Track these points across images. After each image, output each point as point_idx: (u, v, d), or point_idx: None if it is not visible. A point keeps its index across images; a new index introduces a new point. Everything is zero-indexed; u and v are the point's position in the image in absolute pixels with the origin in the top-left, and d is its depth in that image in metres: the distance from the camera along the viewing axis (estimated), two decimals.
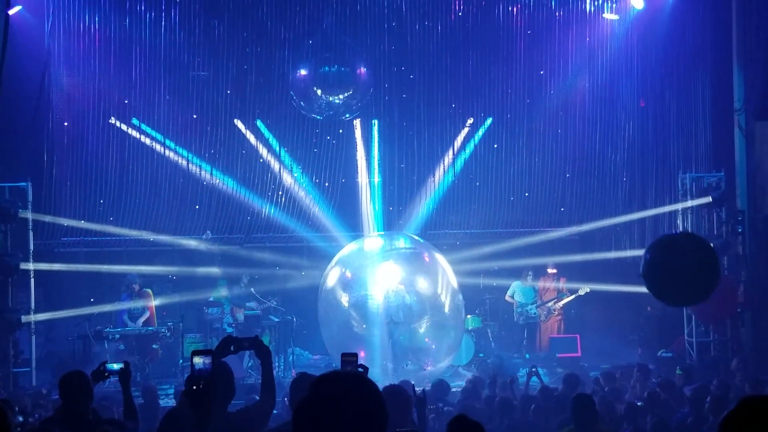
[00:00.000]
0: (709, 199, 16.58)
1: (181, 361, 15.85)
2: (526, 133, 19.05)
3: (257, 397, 5.93)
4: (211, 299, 17.29)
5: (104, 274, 17.48)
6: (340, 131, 18.80)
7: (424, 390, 7.06)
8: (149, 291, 16.81)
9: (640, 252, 18.15)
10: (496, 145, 19.00)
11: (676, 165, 17.79)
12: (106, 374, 6.15)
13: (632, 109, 18.76)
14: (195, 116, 18.03)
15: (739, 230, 16.59)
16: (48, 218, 16.73)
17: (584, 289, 17.70)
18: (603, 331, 17.93)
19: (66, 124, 17.52)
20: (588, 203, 19.01)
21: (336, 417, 2.73)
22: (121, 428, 6.30)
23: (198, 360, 3.73)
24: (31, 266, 15.47)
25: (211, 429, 4.21)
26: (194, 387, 3.69)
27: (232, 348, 5.17)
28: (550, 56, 18.55)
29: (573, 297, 17.85)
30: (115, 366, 6.26)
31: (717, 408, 9.06)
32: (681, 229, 17.11)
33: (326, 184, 18.66)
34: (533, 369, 12.35)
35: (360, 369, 4.54)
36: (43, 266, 16.08)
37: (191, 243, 18.22)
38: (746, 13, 16.92)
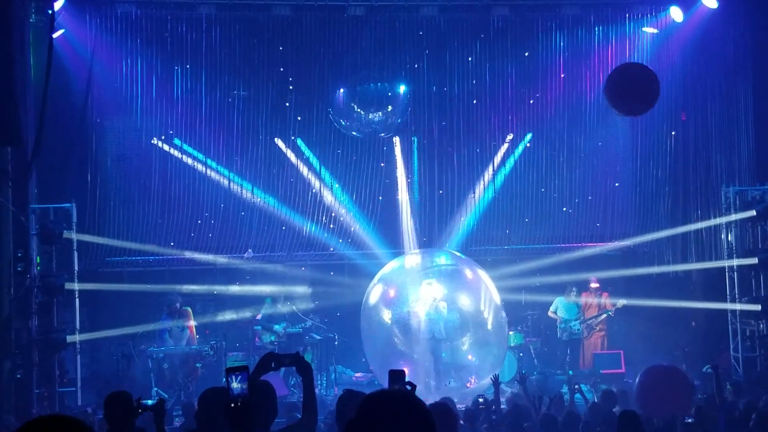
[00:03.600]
0: (753, 212, 16.37)
1: (223, 379, 15.89)
2: (567, 148, 18.94)
3: (299, 416, 5.91)
4: (259, 317, 17.38)
5: (147, 294, 17.60)
6: (372, 159, 18.79)
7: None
8: (189, 310, 16.92)
9: (684, 267, 18.12)
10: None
11: (719, 178, 17.62)
12: (140, 410, 6.10)
13: (674, 123, 18.59)
14: (235, 135, 18.13)
15: None
16: (92, 239, 16.93)
17: (621, 302, 17.53)
18: (647, 346, 17.73)
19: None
20: (630, 217, 18.87)
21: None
22: None
23: (235, 384, 3.68)
24: (75, 286, 15.64)
25: None
26: (232, 405, 3.65)
27: (273, 365, 5.18)
28: (590, 71, 18.45)
29: (612, 310, 17.64)
30: (150, 402, 6.22)
31: (762, 424, 8.96)
32: (727, 243, 16.93)
33: (378, 198, 18.67)
34: (576, 386, 12.23)
35: (408, 386, 4.48)
36: (88, 286, 16.23)
37: (233, 261, 18.34)
38: None
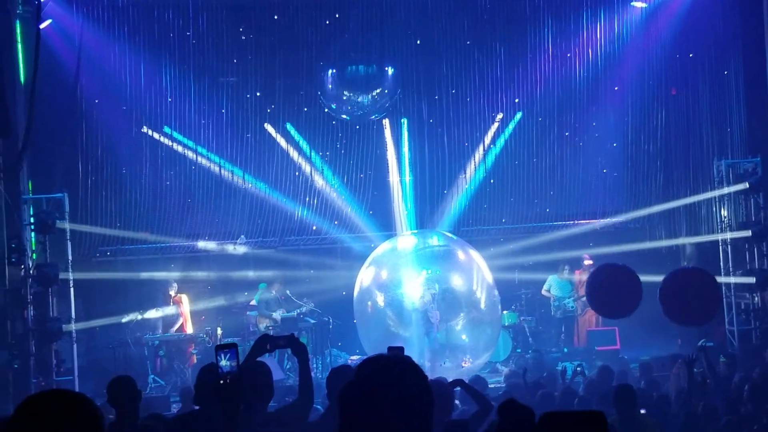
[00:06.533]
0: (746, 185, 16.38)
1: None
2: (557, 126, 18.93)
3: (294, 399, 5.92)
4: (253, 302, 17.40)
5: (142, 282, 17.63)
6: (362, 141, 18.77)
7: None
8: (183, 297, 16.93)
9: (677, 241, 18.16)
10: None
11: (710, 152, 17.63)
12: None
13: (664, 98, 18.58)
14: (225, 121, 18.10)
15: None
16: (85, 228, 16.91)
17: None
18: (641, 322, 17.74)
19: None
20: (622, 194, 18.89)
21: (382, 396, 2.70)
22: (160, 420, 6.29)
23: (224, 362, 3.66)
24: (70, 276, 15.62)
25: (249, 427, 4.21)
26: (221, 382, 3.65)
27: (268, 346, 5.18)
28: (579, 47, 18.42)
29: None
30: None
31: (755, 394, 9.03)
32: (720, 216, 16.97)
33: (360, 175, 18.66)
34: (578, 368, 12.26)
35: None
36: (82, 276, 16.23)
37: (226, 248, 18.35)
38: None
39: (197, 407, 5.48)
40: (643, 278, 17.12)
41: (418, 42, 18.33)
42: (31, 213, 15.35)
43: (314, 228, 18.71)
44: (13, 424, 2.66)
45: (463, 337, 16.24)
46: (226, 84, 18.14)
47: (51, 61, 16.14)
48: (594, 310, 13.52)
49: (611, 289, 12.13)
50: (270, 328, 16.65)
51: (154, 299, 16.93)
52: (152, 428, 6.12)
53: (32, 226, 15.17)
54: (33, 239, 15.24)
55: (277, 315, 17.03)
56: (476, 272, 16.38)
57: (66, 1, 16.71)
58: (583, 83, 18.59)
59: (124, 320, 16.58)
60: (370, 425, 2.69)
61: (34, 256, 15.18)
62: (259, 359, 5.34)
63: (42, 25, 14.85)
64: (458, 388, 7.48)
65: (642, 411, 8.30)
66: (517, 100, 18.71)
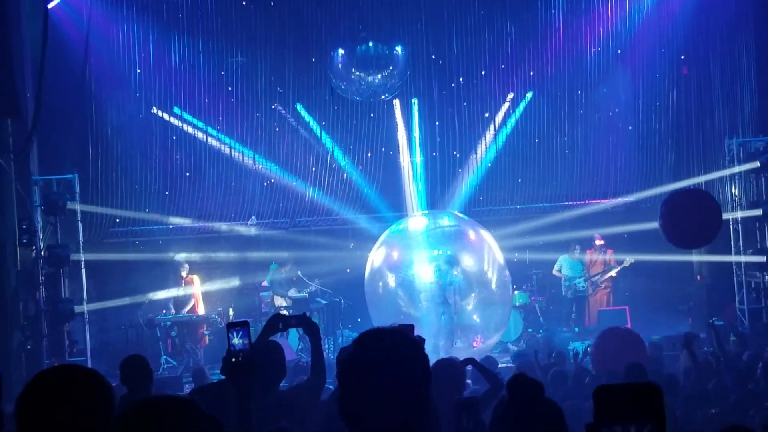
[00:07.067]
0: (757, 163, 16.30)
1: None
2: (568, 105, 18.86)
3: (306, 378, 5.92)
4: (265, 283, 17.43)
5: (153, 263, 17.66)
6: (372, 115, 18.71)
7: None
8: (195, 277, 16.96)
9: None
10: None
11: (722, 131, 17.54)
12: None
13: (675, 77, 18.49)
14: (235, 102, 18.08)
15: None
16: (96, 209, 16.94)
17: (629, 260, 17.57)
18: (652, 302, 17.77)
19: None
20: (633, 173, 18.83)
21: (380, 368, 2.69)
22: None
23: (236, 340, 3.64)
24: (81, 257, 15.66)
25: (261, 407, 4.20)
26: (233, 360, 3.63)
27: (280, 325, 5.17)
28: (590, 26, 18.32)
29: (619, 269, 17.73)
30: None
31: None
32: (731, 195, 16.90)
33: (369, 154, 18.61)
34: (588, 348, 12.25)
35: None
36: (93, 257, 16.26)
37: (237, 229, 18.38)
38: None
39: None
40: (655, 258, 17.24)
41: (429, 19, 18.22)
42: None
43: (320, 209, 18.65)
44: (25, 397, 2.67)
45: (475, 317, 16.23)
46: (235, 64, 18.10)
47: (59, 41, 16.10)
48: (669, 238, 11.86)
49: (696, 215, 11.39)
50: (281, 309, 16.68)
51: (165, 280, 16.96)
52: None
53: (42, 208, 15.18)
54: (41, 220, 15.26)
55: (292, 293, 17.09)
56: (487, 252, 16.35)
57: None
58: (594, 62, 18.51)
59: (146, 300, 16.65)
60: (369, 396, 2.68)
61: (44, 238, 15.20)
62: (271, 339, 5.34)
63: (50, 5, 14.84)
64: (470, 367, 7.49)
65: None
66: (531, 73, 18.61)
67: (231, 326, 3.63)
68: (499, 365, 11.96)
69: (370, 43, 18.15)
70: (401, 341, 2.78)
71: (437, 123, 18.81)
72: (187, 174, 18.09)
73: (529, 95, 18.95)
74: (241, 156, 18.35)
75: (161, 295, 16.72)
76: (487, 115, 18.93)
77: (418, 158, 19.10)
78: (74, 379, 2.73)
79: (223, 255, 18.37)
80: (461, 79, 18.57)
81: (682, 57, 18.32)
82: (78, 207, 15.70)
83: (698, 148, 18.16)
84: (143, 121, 17.81)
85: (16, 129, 14.42)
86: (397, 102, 18.89)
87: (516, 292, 17.14)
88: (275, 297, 17.20)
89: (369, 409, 2.68)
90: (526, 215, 18.94)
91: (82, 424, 2.66)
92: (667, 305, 17.86)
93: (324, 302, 17.35)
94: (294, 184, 18.54)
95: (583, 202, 19.01)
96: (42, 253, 14.92)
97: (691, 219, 11.21)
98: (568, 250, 17.98)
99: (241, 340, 3.62)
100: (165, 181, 17.90)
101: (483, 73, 18.53)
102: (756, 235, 16.63)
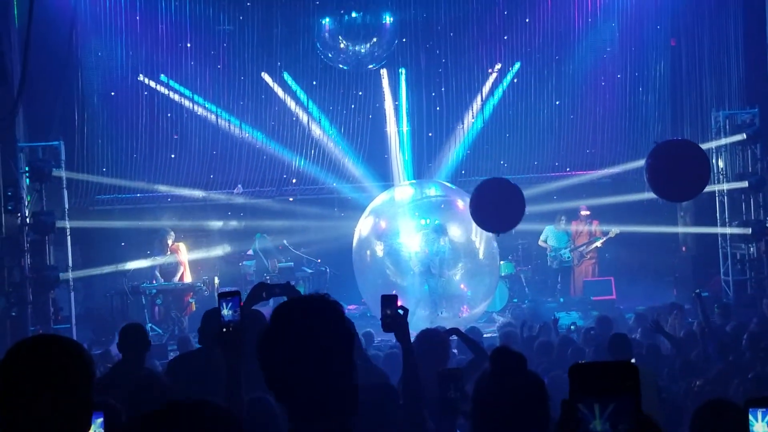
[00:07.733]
0: (744, 136, 16.33)
1: None
2: (555, 76, 18.85)
3: None
4: (250, 252, 17.43)
5: (139, 231, 17.62)
6: (360, 93, 18.63)
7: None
8: (181, 245, 16.93)
9: None
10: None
11: (709, 103, 17.55)
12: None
13: (663, 49, 18.48)
14: (219, 66, 18.00)
15: None
16: (81, 176, 16.87)
17: (614, 231, 17.62)
18: (637, 273, 17.87)
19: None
20: (620, 144, 18.85)
21: (298, 337, 2.63)
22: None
23: (226, 311, 3.67)
24: (67, 224, 15.59)
25: (245, 375, 4.22)
26: (224, 330, 3.66)
27: (264, 294, 5.17)
28: None
29: (604, 240, 17.79)
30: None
31: (753, 344, 9.08)
32: (717, 167, 16.91)
33: (358, 118, 18.59)
34: (572, 326, 12.29)
35: (400, 311, 4.43)
36: (79, 224, 16.21)
37: (222, 197, 18.35)
38: None
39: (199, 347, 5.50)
40: (641, 229, 17.30)
41: None
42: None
43: (293, 181, 18.64)
44: (3, 368, 2.65)
45: (462, 286, 16.29)
46: (223, 32, 18.00)
47: (46, 9, 15.94)
48: (656, 191, 11.52)
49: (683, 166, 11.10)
50: (266, 278, 16.68)
51: (151, 248, 16.94)
52: (155, 375, 6.19)
53: (28, 174, 15.09)
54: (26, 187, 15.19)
55: (276, 263, 17.11)
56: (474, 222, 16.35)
57: None
58: (582, 33, 18.48)
59: (131, 267, 16.63)
60: (291, 370, 2.61)
61: (30, 205, 15.13)
62: (255, 308, 5.34)
63: None
64: (454, 337, 7.52)
65: (632, 360, 8.33)
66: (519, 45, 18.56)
67: (222, 296, 3.67)
68: (485, 335, 11.99)
69: (358, 13, 18.05)
70: (319, 307, 2.71)
71: (425, 93, 18.76)
72: (175, 136, 18.01)
73: (516, 65, 18.91)
74: (227, 124, 18.29)
75: (146, 263, 16.69)
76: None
77: (405, 128, 19.06)
78: (53, 348, 2.71)
79: (209, 223, 18.35)
80: (451, 40, 18.48)
81: (672, 43, 18.29)
82: (63, 174, 15.60)
83: (685, 120, 18.18)
84: (130, 89, 17.71)
85: (2, 95, 14.29)
86: (384, 71, 18.82)
87: (502, 262, 17.17)
88: (273, 262, 17.19)
89: (293, 381, 2.61)
90: None
91: (60, 397, 2.64)
92: (653, 276, 17.97)
93: (310, 271, 17.38)
94: (281, 152, 18.48)
95: (569, 173, 19.03)
96: (27, 220, 14.84)
97: (680, 169, 11.08)
98: (554, 221, 18.01)
99: (231, 311, 3.65)
100: (151, 149, 17.82)
101: (466, 49, 18.45)
102: (741, 207, 16.69)
